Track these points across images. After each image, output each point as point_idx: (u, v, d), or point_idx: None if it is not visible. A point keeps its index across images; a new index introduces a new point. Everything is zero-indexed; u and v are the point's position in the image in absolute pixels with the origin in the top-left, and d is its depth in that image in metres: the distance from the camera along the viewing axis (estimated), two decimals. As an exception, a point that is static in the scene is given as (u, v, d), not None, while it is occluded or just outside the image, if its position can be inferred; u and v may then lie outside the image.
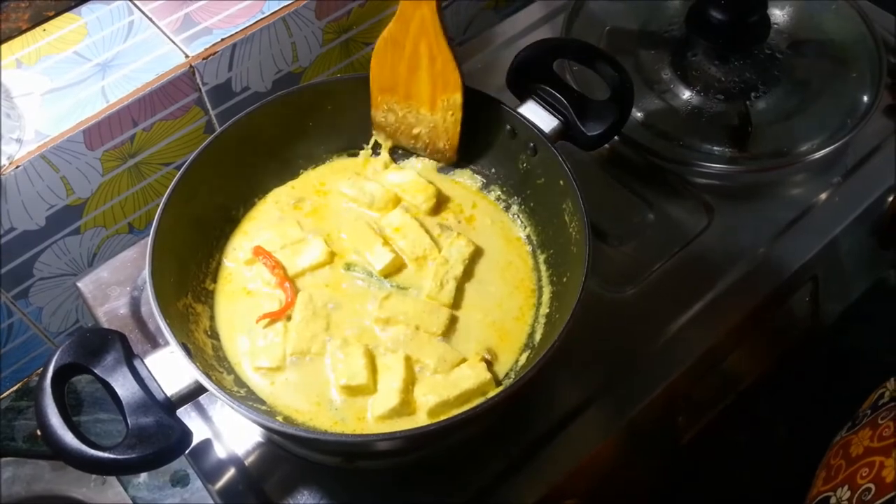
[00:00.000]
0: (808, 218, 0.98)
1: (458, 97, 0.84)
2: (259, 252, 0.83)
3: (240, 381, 0.76)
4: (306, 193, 0.90)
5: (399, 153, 0.93)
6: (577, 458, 0.81)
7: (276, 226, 0.87)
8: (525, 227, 0.88)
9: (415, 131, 0.89)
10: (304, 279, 0.83)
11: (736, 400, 0.96)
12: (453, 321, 0.80)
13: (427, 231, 0.86)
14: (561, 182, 0.80)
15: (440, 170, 0.93)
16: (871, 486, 0.70)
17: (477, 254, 0.85)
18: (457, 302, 0.81)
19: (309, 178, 0.91)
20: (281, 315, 0.79)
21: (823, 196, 1.00)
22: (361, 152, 0.93)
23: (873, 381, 0.86)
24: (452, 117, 0.86)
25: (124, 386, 0.65)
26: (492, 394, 0.73)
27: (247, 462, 0.81)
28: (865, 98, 1.02)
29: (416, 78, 0.84)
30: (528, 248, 0.87)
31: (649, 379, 0.86)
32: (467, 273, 0.83)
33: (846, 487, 0.73)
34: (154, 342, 0.87)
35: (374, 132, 0.91)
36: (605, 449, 0.83)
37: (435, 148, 0.89)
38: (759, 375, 0.99)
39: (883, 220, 1.03)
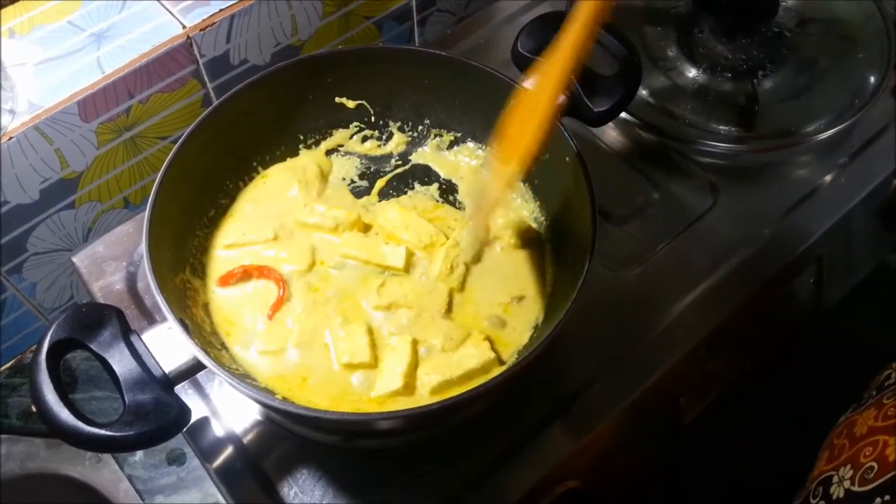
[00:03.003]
0: (814, 199, 0.97)
1: (513, 169, 0.72)
2: (233, 275, 0.80)
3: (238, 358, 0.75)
4: (306, 168, 0.88)
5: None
6: (579, 440, 0.81)
7: (272, 205, 0.85)
8: (530, 205, 0.86)
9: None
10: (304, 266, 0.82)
11: (738, 381, 0.96)
12: (457, 300, 0.79)
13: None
14: (567, 159, 0.78)
15: (441, 149, 0.91)
16: (874, 464, 0.69)
17: (483, 235, 0.84)
18: (462, 283, 0.80)
19: (310, 153, 0.89)
20: (280, 305, 0.78)
21: (829, 177, 0.99)
22: (367, 133, 0.92)
23: (875, 364, 0.85)
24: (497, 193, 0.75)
25: (121, 362, 0.64)
26: (495, 373, 0.72)
27: (245, 440, 0.80)
28: (873, 78, 1.01)
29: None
30: (533, 226, 0.85)
31: (652, 359, 0.85)
32: (475, 255, 0.82)
33: (849, 466, 0.72)
34: (150, 318, 0.85)
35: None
36: (606, 430, 0.82)
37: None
38: (761, 357, 0.98)
39: (888, 202, 1.02)
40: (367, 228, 0.85)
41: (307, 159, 0.89)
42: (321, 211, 0.84)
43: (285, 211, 0.85)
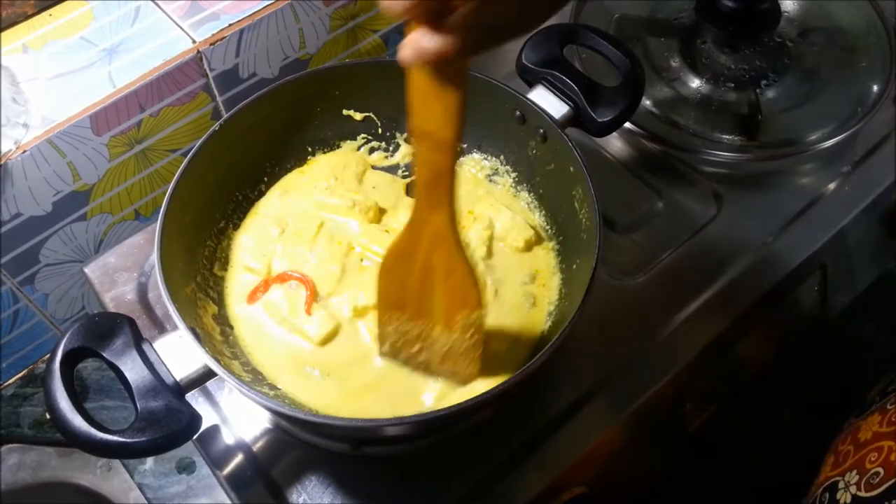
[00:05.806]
0: (817, 207, 0.97)
1: (478, 315, 0.72)
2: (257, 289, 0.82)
3: (247, 366, 0.76)
4: (315, 180, 0.89)
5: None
6: (585, 446, 0.81)
7: (280, 215, 0.86)
8: (535, 214, 0.87)
9: (427, 354, 0.76)
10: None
11: (743, 388, 0.96)
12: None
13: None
14: (571, 168, 0.79)
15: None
16: (880, 469, 0.69)
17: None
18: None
19: (318, 165, 0.91)
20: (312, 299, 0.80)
21: (832, 185, 0.99)
22: (375, 144, 0.93)
23: (879, 370, 0.86)
24: (472, 339, 0.73)
25: (133, 370, 0.65)
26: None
27: (255, 448, 0.80)
28: (875, 87, 1.02)
29: (430, 295, 0.72)
30: (540, 235, 0.86)
31: (657, 367, 0.85)
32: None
33: (854, 472, 0.72)
34: (161, 328, 0.86)
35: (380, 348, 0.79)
36: (613, 436, 0.83)
37: (452, 370, 0.76)
38: (766, 364, 0.99)
39: (892, 210, 1.02)
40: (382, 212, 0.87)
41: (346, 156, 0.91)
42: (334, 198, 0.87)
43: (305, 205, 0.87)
